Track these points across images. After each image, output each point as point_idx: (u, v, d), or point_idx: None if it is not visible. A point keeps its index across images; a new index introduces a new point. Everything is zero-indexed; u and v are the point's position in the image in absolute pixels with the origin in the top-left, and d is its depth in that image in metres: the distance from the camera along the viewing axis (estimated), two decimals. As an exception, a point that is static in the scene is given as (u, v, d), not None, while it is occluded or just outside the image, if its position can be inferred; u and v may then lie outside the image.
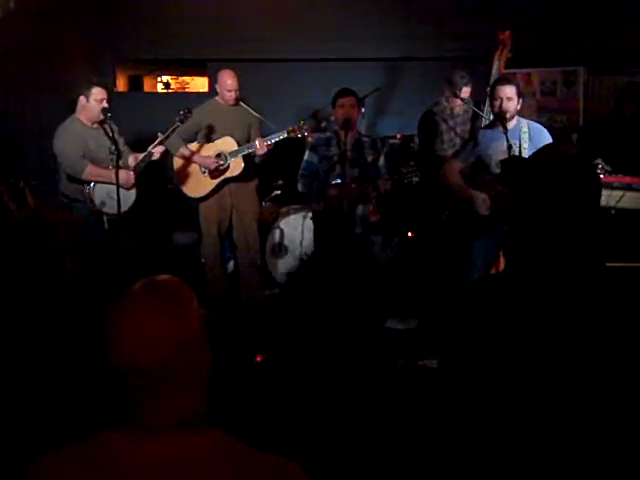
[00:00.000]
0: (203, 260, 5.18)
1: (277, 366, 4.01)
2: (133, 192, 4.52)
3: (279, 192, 5.99)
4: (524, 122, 4.04)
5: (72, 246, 4.32)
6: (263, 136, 4.86)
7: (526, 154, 3.91)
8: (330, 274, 4.52)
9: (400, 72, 6.40)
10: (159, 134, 4.51)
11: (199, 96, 6.56)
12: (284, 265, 5.56)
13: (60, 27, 6.25)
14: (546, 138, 3.97)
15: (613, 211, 4.16)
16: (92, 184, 4.38)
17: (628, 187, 4.22)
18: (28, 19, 6.08)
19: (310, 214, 5.00)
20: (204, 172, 4.90)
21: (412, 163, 4.28)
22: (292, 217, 5.56)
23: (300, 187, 4.59)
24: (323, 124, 5.84)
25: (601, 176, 4.14)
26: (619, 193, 4.17)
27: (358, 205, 4.49)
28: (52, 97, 5.92)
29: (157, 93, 8.55)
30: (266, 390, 3.68)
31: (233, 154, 4.84)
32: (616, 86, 5.85)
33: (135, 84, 7.94)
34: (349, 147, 4.40)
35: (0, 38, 5.85)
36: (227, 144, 4.86)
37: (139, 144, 4.72)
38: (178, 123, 4.51)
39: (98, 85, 4.40)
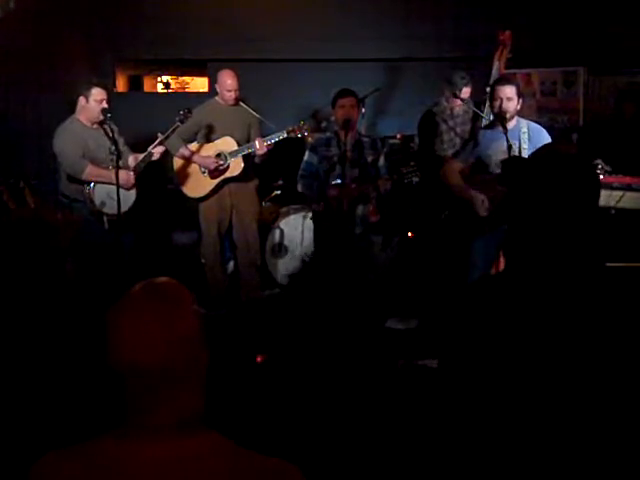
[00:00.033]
0: (203, 260, 5.18)
1: (277, 366, 4.01)
2: (133, 192, 4.53)
3: (279, 192, 5.99)
4: (524, 122, 4.04)
5: (72, 246, 4.31)
6: (263, 136, 4.86)
7: (525, 154, 3.92)
8: (330, 274, 4.52)
9: (400, 72, 6.40)
10: (159, 134, 4.51)
11: (199, 96, 6.56)
12: (284, 265, 5.56)
13: (60, 27, 6.26)
14: (545, 138, 3.97)
15: (613, 211, 4.16)
16: (92, 184, 4.38)
17: (628, 187, 4.22)
18: (28, 19, 6.09)
19: (310, 214, 5.00)
20: (204, 172, 4.90)
21: (412, 163, 4.29)
22: (292, 217, 5.56)
23: (300, 187, 4.59)
24: (323, 124, 5.84)
25: (601, 176, 4.15)
26: (619, 193, 4.17)
27: (358, 205, 4.49)
28: (52, 97, 5.92)
29: (157, 93, 8.55)
30: (266, 390, 3.67)
31: (233, 154, 4.84)
32: (616, 86, 5.85)
33: (135, 84, 7.94)
34: (349, 147, 4.40)
35: (0, 38, 5.85)
36: (227, 144, 4.86)
37: (139, 144, 4.72)
38: (178, 123, 4.51)
39: (97, 86, 4.40)
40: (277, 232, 5.55)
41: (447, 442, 1.55)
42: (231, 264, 5.54)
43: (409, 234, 5.51)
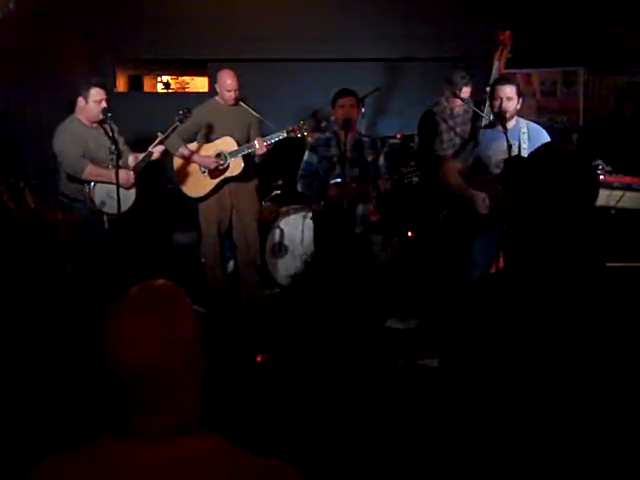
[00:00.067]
0: (203, 260, 5.18)
1: (277, 366, 4.01)
2: (133, 192, 4.53)
3: (279, 192, 5.99)
4: (523, 122, 4.04)
5: (72, 246, 4.32)
6: (263, 136, 4.86)
7: (525, 154, 3.91)
8: (330, 274, 4.52)
9: (400, 72, 6.40)
10: (159, 134, 4.52)
11: (199, 96, 6.56)
12: (284, 265, 5.56)
13: (60, 27, 6.26)
14: (545, 138, 3.97)
15: (613, 211, 4.16)
16: (92, 184, 4.39)
17: (628, 187, 4.22)
18: (28, 19, 6.09)
19: (310, 214, 5.00)
20: (204, 172, 4.90)
21: (412, 163, 4.29)
22: (292, 217, 5.56)
23: (300, 187, 4.59)
24: (323, 124, 5.84)
25: (601, 176, 4.15)
26: (619, 193, 4.17)
27: (358, 205, 4.49)
28: (52, 97, 5.93)
29: (157, 93, 8.55)
30: (266, 390, 3.68)
31: (233, 154, 4.84)
32: (616, 86, 5.85)
33: (135, 84, 7.94)
34: (349, 147, 4.40)
35: (0, 38, 5.85)
36: (227, 144, 4.86)
37: (139, 144, 4.73)
38: (177, 123, 4.52)
39: (96, 86, 4.40)
40: (277, 232, 5.56)
41: (447, 442, 1.55)
42: (231, 264, 5.54)
43: (409, 234, 5.51)
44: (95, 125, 4.43)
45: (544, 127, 4.14)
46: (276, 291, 5.52)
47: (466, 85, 4.86)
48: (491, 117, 4.35)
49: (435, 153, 4.98)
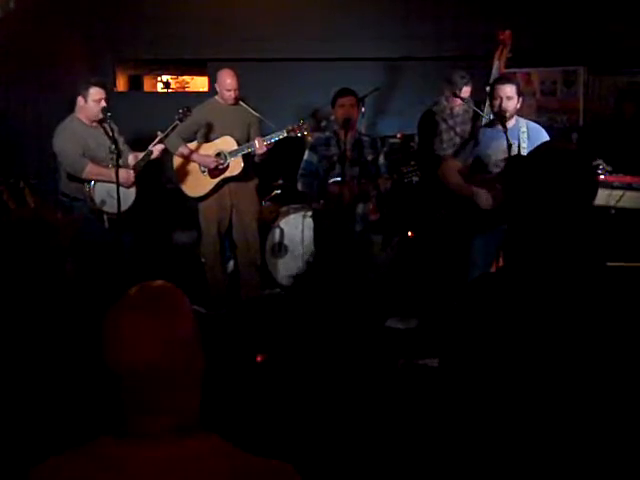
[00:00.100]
0: (203, 259, 5.18)
1: (277, 366, 4.01)
2: (133, 191, 4.53)
3: (279, 191, 5.99)
4: (523, 122, 4.04)
5: (72, 245, 4.32)
6: (263, 135, 4.86)
7: (525, 153, 3.91)
8: (330, 274, 4.52)
9: (400, 72, 6.40)
10: (158, 132, 4.52)
11: (199, 96, 6.56)
12: (284, 265, 5.56)
13: (60, 27, 6.26)
14: (544, 138, 3.97)
15: (613, 211, 4.16)
16: (92, 183, 4.39)
17: (628, 187, 4.22)
18: (28, 19, 6.09)
19: (310, 213, 5.00)
20: (204, 171, 4.90)
21: (412, 162, 4.29)
22: (292, 216, 5.56)
23: (300, 186, 4.59)
24: (323, 124, 5.84)
25: (601, 176, 4.15)
26: (619, 192, 4.17)
27: (358, 204, 4.49)
28: (52, 97, 5.93)
29: (157, 93, 8.54)
30: (266, 390, 3.68)
31: (233, 153, 4.84)
32: (616, 86, 5.85)
33: (135, 84, 7.94)
34: (349, 147, 4.40)
35: (0, 38, 5.85)
36: (227, 143, 4.86)
37: (139, 143, 4.73)
38: (177, 121, 4.51)
39: (95, 85, 4.40)
40: (277, 231, 5.56)
41: (448, 441, 1.55)
42: (231, 264, 5.54)
43: (409, 233, 5.51)
44: (95, 124, 4.43)
45: (544, 127, 4.14)
46: (276, 291, 5.52)
47: (466, 85, 4.86)
48: (491, 116, 4.35)
49: (435, 153, 4.98)
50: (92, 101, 4.37)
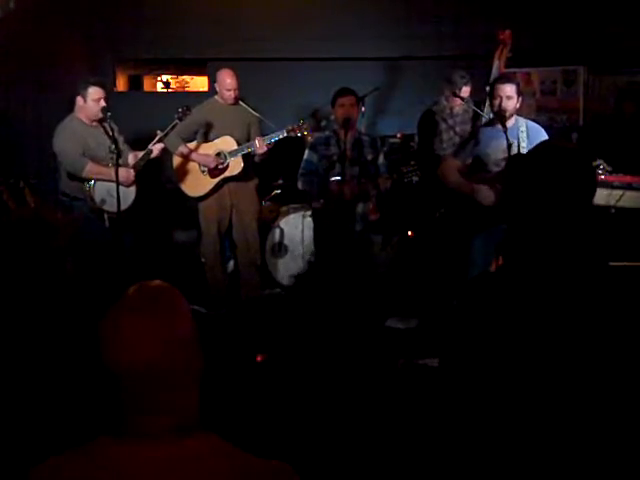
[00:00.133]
0: (203, 259, 5.18)
1: (277, 366, 4.01)
2: (133, 190, 4.53)
3: (279, 191, 5.99)
4: (522, 121, 4.04)
5: (72, 245, 4.31)
6: (263, 135, 4.86)
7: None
8: (330, 273, 4.52)
9: (400, 71, 6.40)
10: (158, 132, 4.52)
11: (199, 95, 6.55)
12: (284, 264, 5.56)
13: (60, 27, 6.25)
14: (543, 137, 3.97)
15: (613, 210, 4.16)
16: (92, 182, 4.39)
17: (628, 186, 4.22)
18: (28, 19, 6.09)
19: (309, 212, 5.00)
20: (204, 171, 4.90)
21: (412, 162, 4.29)
22: (292, 216, 5.56)
23: (300, 185, 4.59)
24: (323, 123, 5.84)
25: (602, 176, 4.15)
26: (619, 192, 4.18)
27: (358, 203, 4.49)
28: (52, 97, 5.92)
29: (157, 92, 8.53)
30: (266, 390, 3.67)
31: (233, 153, 4.84)
32: (616, 85, 5.85)
33: (135, 84, 7.93)
34: (349, 146, 4.40)
35: (0, 38, 5.85)
36: (226, 143, 4.86)
37: (139, 143, 4.73)
38: (177, 120, 4.51)
39: (94, 85, 4.40)
40: (277, 231, 5.56)
41: (448, 441, 1.55)
42: (231, 263, 5.54)
43: (409, 233, 5.51)
44: (95, 124, 4.43)
45: (544, 126, 4.14)
46: (276, 291, 5.52)
47: (466, 84, 4.86)
48: (491, 116, 4.35)
49: (435, 152, 4.98)
50: (91, 101, 4.38)
